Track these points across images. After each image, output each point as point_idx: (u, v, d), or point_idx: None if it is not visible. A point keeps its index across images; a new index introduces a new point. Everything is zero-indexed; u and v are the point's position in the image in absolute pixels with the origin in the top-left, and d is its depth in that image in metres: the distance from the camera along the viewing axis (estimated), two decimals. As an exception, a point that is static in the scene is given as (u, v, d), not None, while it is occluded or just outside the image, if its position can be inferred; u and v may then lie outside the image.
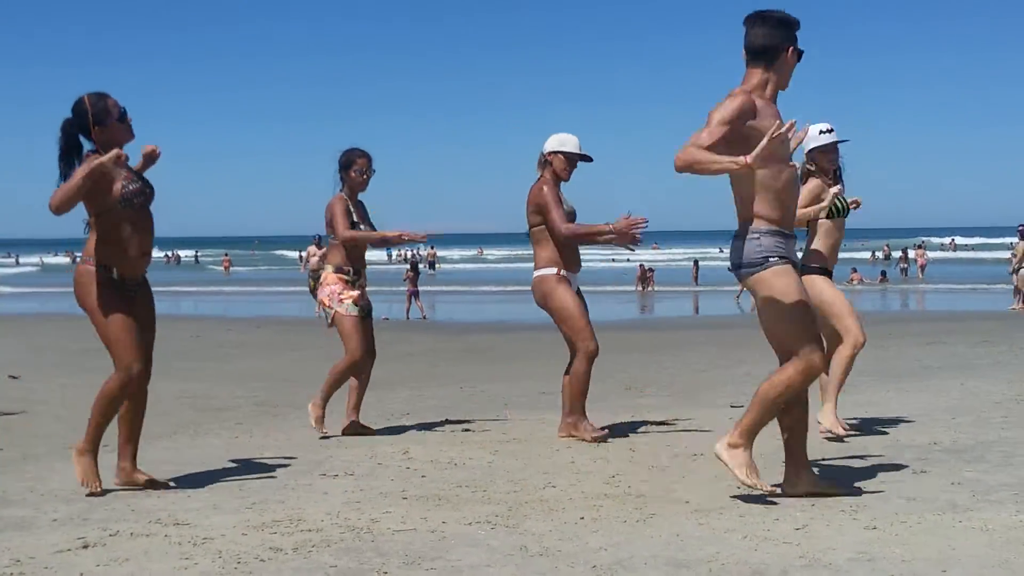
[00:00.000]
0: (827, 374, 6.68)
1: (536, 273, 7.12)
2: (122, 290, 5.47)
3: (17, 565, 4.14)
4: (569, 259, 7.09)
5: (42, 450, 6.87)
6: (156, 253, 5.81)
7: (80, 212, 5.45)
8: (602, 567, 4.00)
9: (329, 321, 7.47)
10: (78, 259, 5.62)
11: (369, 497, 5.29)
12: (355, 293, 7.38)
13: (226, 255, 56.96)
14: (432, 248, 55.78)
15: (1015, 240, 24.19)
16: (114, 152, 5.17)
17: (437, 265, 54.21)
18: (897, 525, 4.51)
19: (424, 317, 24.17)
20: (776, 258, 4.99)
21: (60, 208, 5.20)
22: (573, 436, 6.94)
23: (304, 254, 21.15)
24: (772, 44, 5.04)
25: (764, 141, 4.70)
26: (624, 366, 12.25)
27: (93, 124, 5.43)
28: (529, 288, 7.23)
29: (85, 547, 4.39)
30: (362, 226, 7.40)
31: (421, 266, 35.66)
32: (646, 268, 36.13)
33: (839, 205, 6.89)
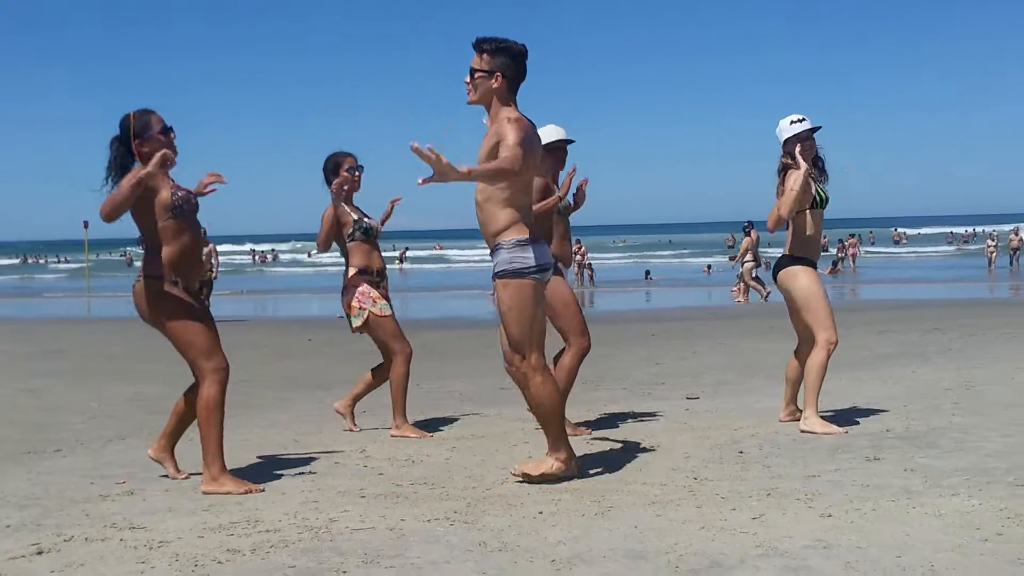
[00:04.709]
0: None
1: None
2: (191, 297, 5.60)
3: (-30, 573, 4.09)
4: (561, 251, 7.19)
5: (-7, 456, 6.77)
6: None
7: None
8: (561, 561, 4.02)
9: (358, 324, 7.37)
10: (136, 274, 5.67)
11: (327, 496, 5.27)
12: (379, 293, 7.39)
13: None
14: (406, 248, 55.63)
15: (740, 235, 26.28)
16: (159, 155, 5.30)
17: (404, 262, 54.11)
18: (852, 512, 4.56)
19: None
20: None
21: (110, 217, 5.32)
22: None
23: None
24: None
25: None
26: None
27: (134, 137, 5.54)
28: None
29: (39, 553, 4.34)
30: (367, 219, 7.40)
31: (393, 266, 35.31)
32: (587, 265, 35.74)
33: (821, 195, 6.81)
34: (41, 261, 76.30)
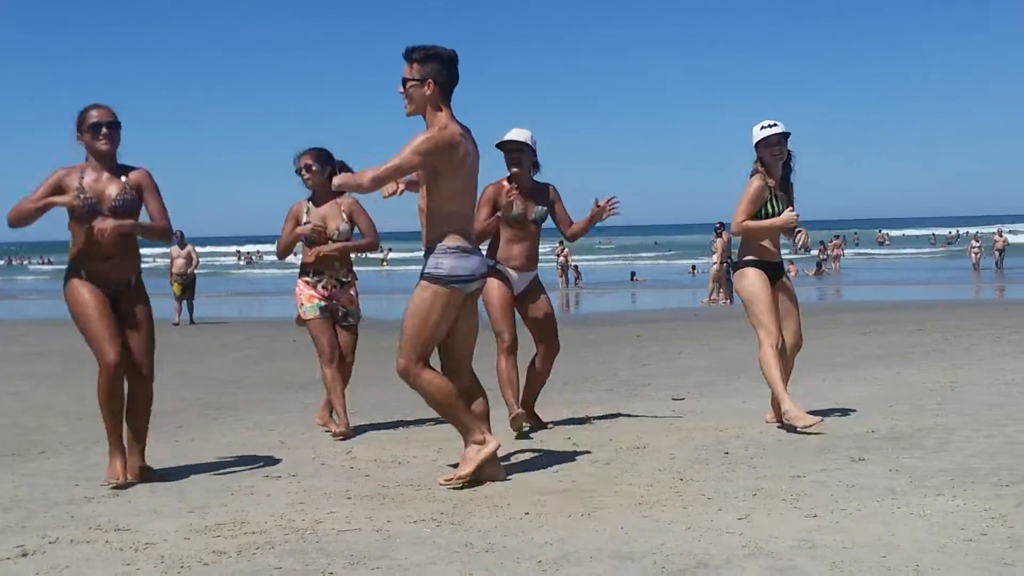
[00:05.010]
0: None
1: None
2: (97, 289, 5.76)
3: (-46, 575, 4.07)
4: (506, 254, 7.15)
5: (-23, 458, 6.74)
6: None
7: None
8: (547, 562, 4.02)
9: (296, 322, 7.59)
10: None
11: (313, 498, 5.27)
12: (313, 293, 7.39)
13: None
14: (389, 249, 55.33)
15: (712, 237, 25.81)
16: (68, 198, 5.62)
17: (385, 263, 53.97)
18: (837, 512, 4.58)
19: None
20: None
21: (12, 226, 5.73)
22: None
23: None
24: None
25: None
26: (563, 361, 12.27)
27: (76, 133, 5.82)
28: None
29: (24, 555, 4.32)
30: (308, 222, 7.34)
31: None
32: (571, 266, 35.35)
33: (773, 210, 6.97)
34: (24, 263, 75.95)
